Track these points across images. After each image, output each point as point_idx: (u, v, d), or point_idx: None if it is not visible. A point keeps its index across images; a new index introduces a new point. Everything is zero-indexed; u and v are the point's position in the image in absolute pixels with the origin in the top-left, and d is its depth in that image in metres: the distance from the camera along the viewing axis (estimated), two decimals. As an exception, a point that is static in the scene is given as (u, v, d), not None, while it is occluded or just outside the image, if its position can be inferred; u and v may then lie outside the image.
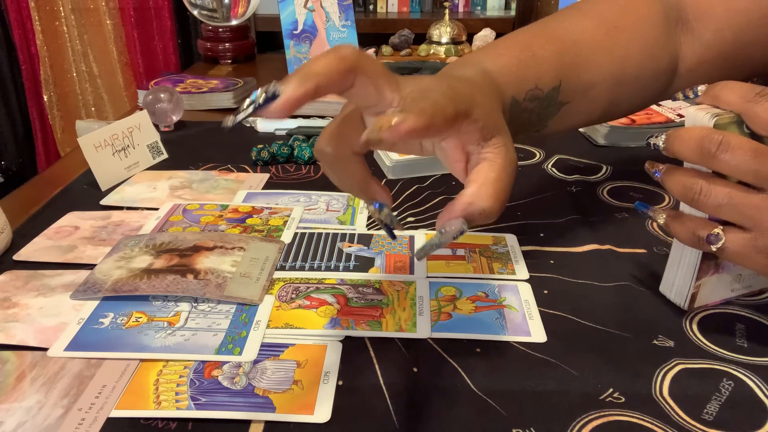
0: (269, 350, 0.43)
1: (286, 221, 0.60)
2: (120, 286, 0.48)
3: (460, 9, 2.08)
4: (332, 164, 0.37)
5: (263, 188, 0.69)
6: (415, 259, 0.48)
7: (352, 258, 0.54)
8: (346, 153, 0.37)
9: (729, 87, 0.39)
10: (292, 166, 0.76)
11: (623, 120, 0.82)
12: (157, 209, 0.64)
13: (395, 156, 0.71)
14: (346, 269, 0.53)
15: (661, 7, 0.53)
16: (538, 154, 0.78)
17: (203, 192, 0.68)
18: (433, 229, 0.59)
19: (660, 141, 0.41)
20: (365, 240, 0.57)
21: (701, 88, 0.42)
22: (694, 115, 0.40)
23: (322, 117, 0.92)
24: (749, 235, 0.38)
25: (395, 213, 0.63)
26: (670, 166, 0.41)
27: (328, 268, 0.53)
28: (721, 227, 0.39)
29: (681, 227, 0.41)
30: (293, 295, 0.49)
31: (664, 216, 0.43)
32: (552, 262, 0.54)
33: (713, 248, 0.39)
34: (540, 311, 0.47)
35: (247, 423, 0.37)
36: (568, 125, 0.53)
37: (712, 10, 0.52)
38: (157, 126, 0.83)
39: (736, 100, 0.39)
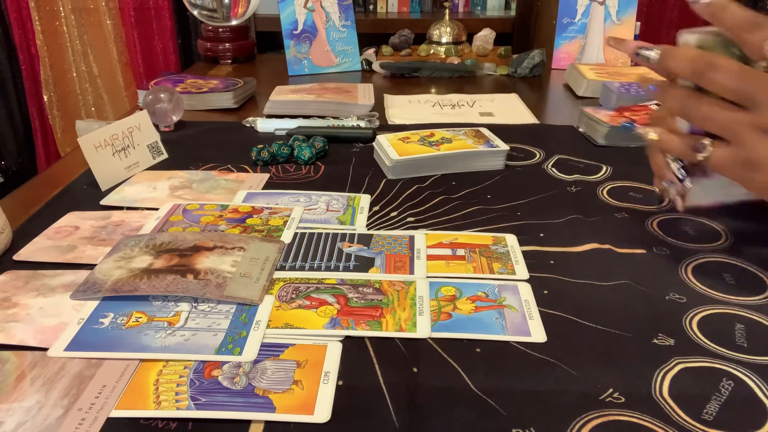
0: (269, 350, 0.43)
1: (286, 221, 0.60)
2: (120, 286, 0.48)
3: (460, 9, 2.08)
4: None
5: (263, 188, 0.69)
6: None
7: (352, 258, 0.54)
8: None
9: (731, 11, 0.42)
10: (292, 166, 0.76)
11: (623, 120, 0.82)
12: (157, 209, 0.64)
13: (395, 156, 0.71)
14: (346, 269, 0.53)
15: None
16: (538, 154, 0.78)
17: (203, 192, 0.68)
18: (434, 229, 0.59)
19: (653, 54, 0.45)
20: (365, 240, 0.57)
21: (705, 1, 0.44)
22: (684, 37, 0.45)
23: (322, 117, 0.92)
24: (732, 148, 0.42)
25: (395, 213, 0.63)
26: (665, 81, 0.46)
27: (328, 268, 0.53)
28: (710, 140, 0.43)
29: (672, 139, 0.46)
30: (293, 295, 0.49)
31: (656, 133, 0.47)
32: (552, 262, 0.54)
33: (700, 156, 0.43)
34: (540, 311, 0.47)
35: (247, 423, 0.37)
36: None
37: None
38: (157, 126, 0.83)
39: (733, 25, 0.42)
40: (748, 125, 0.41)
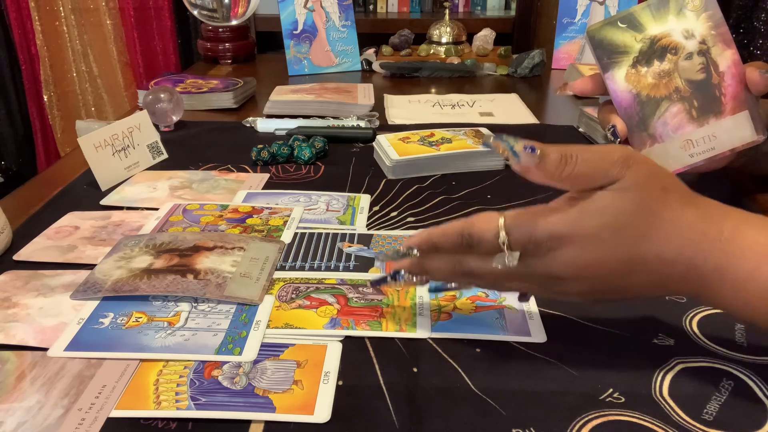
0: (269, 350, 0.43)
1: (286, 221, 0.60)
2: (120, 286, 0.48)
3: (460, 9, 2.08)
4: None
5: (263, 188, 0.69)
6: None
7: (352, 258, 0.54)
8: None
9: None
10: (292, 166, 0.76)
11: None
12: (157, 209, 0.64)
13: (395, 156, 0.71)
14: (346, 269, 0.53)
15: None
16: (538, 154, 0.78)
17: (203, 192, 0.68)
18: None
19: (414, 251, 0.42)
20: (365, 240, 0.57)
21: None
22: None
23: (322, 117, 0.92)
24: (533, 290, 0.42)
25: (395, 213, 0.63)
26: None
27: (328, 268, 0.53)
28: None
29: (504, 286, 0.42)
30: (293, 295, 0.49)
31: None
32: (552, 262, 0.54)
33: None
34: (540, 311, 0.47)
35: (247, 423, 0.37)
36: None
37: None
38: (157, 126, 0.83)
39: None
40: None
